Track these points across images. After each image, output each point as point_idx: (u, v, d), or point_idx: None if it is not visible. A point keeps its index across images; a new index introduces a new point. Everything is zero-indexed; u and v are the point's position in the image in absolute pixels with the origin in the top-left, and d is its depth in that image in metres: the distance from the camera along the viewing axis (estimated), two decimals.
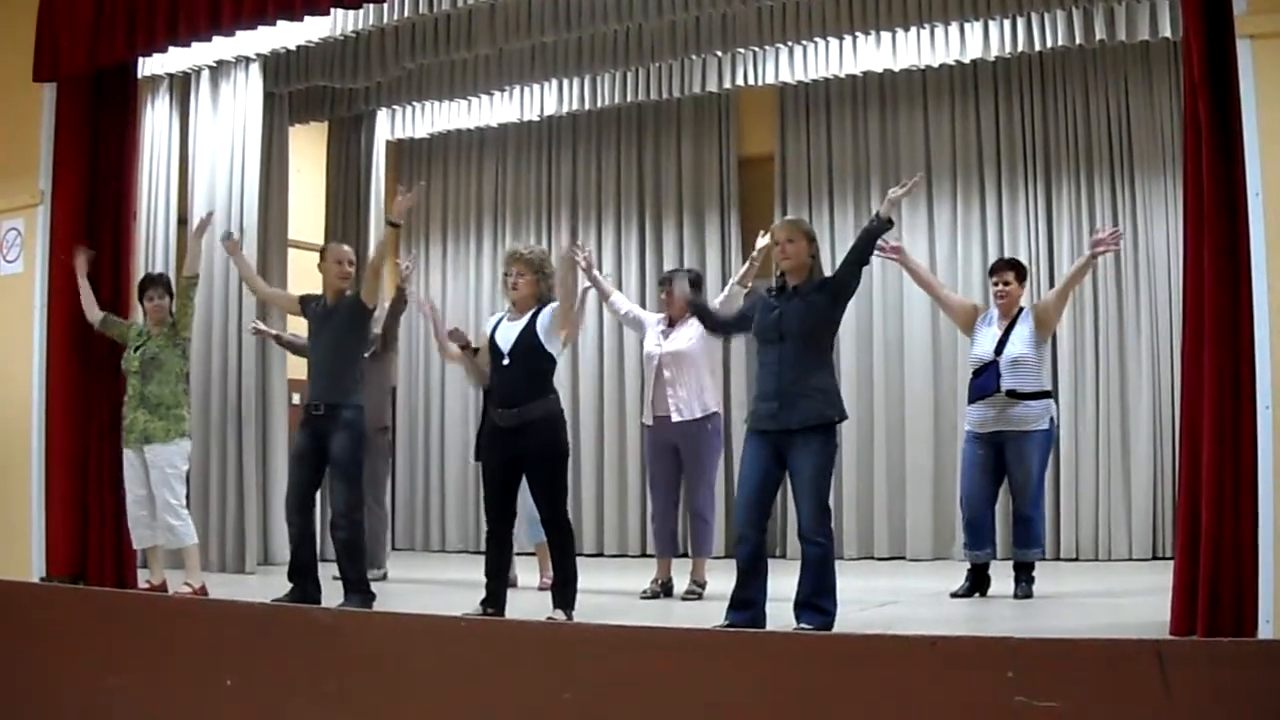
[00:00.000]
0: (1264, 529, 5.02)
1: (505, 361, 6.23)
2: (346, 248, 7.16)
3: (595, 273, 7.62)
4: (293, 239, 9.75)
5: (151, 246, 9.09)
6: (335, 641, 4.22)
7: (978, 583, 7.19)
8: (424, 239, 11.51)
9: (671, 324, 7.60)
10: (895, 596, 7.33)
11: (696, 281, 7.81)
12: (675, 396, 7.40)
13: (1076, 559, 9.08)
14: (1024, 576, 7.07)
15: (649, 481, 7.92)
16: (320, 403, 6.74)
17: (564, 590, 6.20)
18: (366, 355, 7.28)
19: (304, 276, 9.37)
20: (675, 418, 7.40)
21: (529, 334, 6.21)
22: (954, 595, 7.15)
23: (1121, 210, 9.27)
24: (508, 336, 6.28)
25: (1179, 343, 5.95)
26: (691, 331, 7.40)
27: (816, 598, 5.56)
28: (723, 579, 7.83)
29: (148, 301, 7.35)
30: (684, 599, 7.27)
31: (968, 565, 7.28)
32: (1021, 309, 7.30)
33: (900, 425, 9.68)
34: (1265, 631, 4.93)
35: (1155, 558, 8.75)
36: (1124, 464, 9.10)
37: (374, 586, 6.94)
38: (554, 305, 6.26)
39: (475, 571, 8.10)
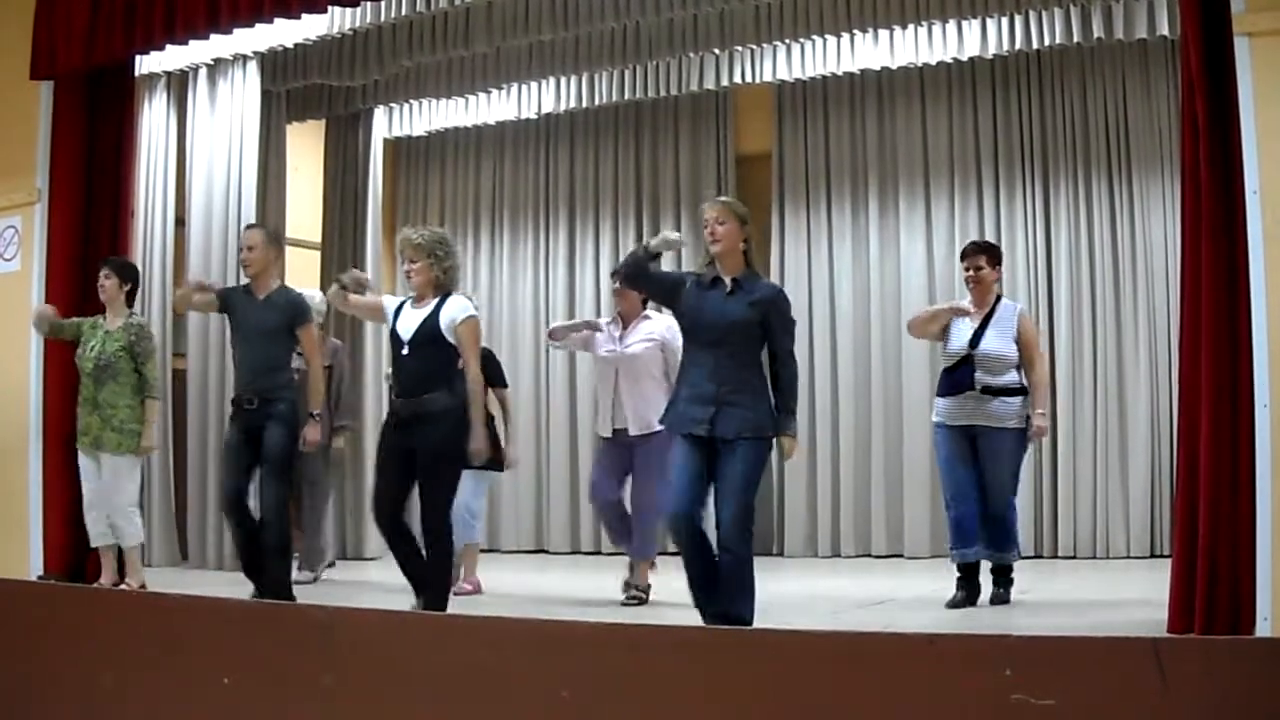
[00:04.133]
0: (1261, 527, 5.03)
1: (405, 351, 5.96)
2: (246, 233, 6.93)
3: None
4: (290, 237, 9.74)
5: (149, 244, 9.08)
6: (331, 639, 4.22)
7: (970, 590, 6.67)
8: None
9: (625, 324, 7.13)
10: (893, 595, 7.34)
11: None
12: (630, 408, 6.94)
13: (1074, 556, 9.09)
14: (1001, 581, 6.67)
15: (597, 489, 7.17)
16: (252, 395, 6.59)
17: (430, 592, 5.87)
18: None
19: (302, 275, 9.39)
20: (633, 430, 6.92)
21: (431, 325, 5.94)
22: (949, 606, 6.60)
23: (1119, 208, 9.28)
24: (409, 325, 5.99)
25: (1176, 340, 5.95)
26: (644, 334, 7.03)
27: (735, 606, 5.28)
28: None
29: (97, 283, 7.11)
30: (624, 604, 6.82)
31: (956, 572, 6.73)
32: (1000, 298, 6.82)
33: (898, 422, 9.68)
34: (1263, 629, 4.93)
35: (1153, 555, 8.76)
36: (1122, 462, 9.11)
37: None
38: (467, 314, 5.97)
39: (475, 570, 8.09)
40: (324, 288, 8.18)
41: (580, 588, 6.78)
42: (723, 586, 5.33)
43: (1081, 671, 3.09)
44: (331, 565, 8.66)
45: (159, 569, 8.59)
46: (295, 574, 7.94)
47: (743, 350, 5.40)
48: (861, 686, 3.33)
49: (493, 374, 7.42)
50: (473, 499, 7.37)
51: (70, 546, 7.30)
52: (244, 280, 6.92)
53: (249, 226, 7.12)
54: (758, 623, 5.36)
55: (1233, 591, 5.12)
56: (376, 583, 8.17)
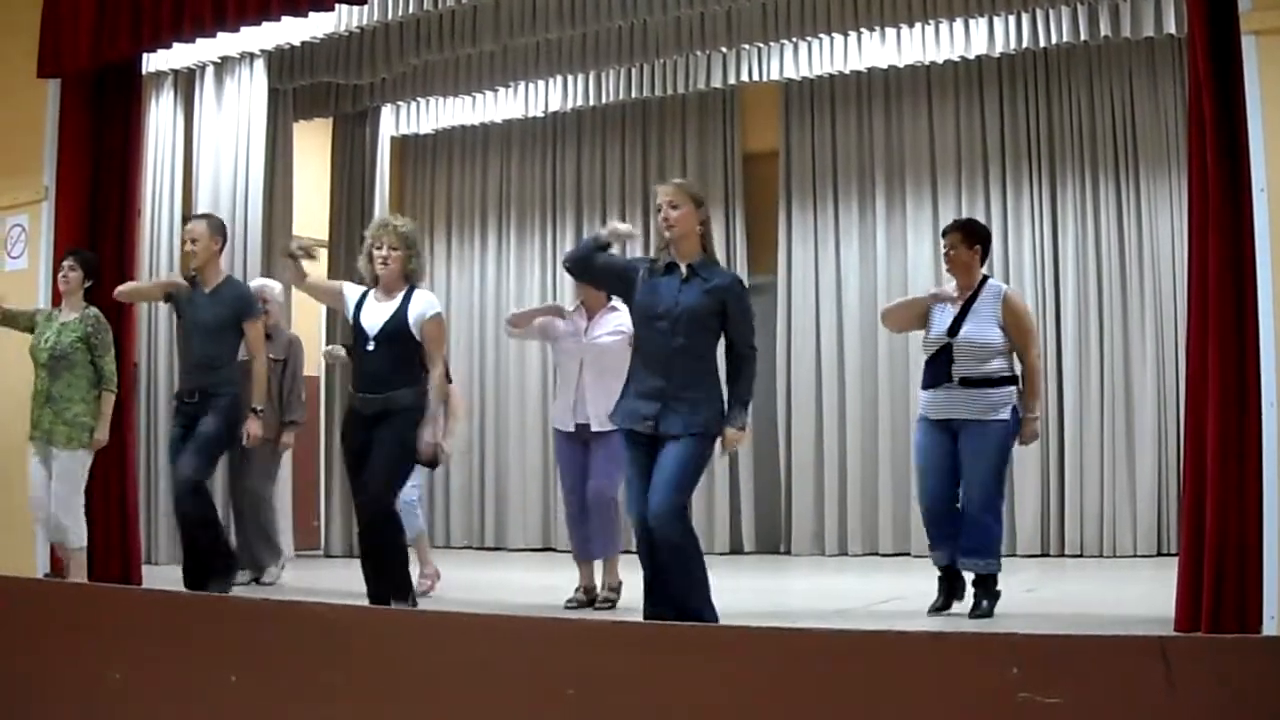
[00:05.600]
0: (1268, 526, 5.03)
1: (370, 346, 5.81)
2: (190, 225, 6.82)
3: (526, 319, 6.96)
4: (297, 235, 9.75)
5: (155, 243, 9.09)
6: (338, 637, 4.22)
7: (952, 590, 6.24)
8: (428, 236, 11.49)
9: (590, 315, 6.72)
10: (899, 593, 7.32)
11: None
12: (594, 402, 6.48)
13: (1081, 555, 9.08)
14: (983, 593, 6.09)
15: (562, 485, 6.95)
16: (194, 390, 6.54)
17: (401, 595, 5.84)
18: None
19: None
20: (594, 426, 6.50)
21: (400, 321, 5.80)
22: (931, 612, 6.20)
23: (1126, 206, 9.27)
24: (375, 319, 5.83)
25: (1184, 338, 5.94)
26: (613, 326, 6.61)
27: (689, 601, 5.02)
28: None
29: (59, 274, 6.99)
30: (597, 608, 6.55)
31: (937, 573, 6.32)
32: (986, 280, 6.28)
33: (905, 420, 9.63)
34: (1270, 628, 4.93)
35: (1160, 554, 8.75)
36: (1129, 460, 9.10)
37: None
38: (434, 310, 5.87)
39: (471, 568, 8.09)
40: None
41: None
42: (669, 578, 5.08)
43: (1088, 670, 3.08)
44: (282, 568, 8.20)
45: (164, 567, 8.59)
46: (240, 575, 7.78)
47: (697, 341, 5.15)
48: (867, 685, 3.33)
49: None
50: (410, 489, 6.93)
51: None
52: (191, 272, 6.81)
53: (193, 217, 7.00)
54: (763, 622, 5.35)
55: (1240, 590, 5.12)
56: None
